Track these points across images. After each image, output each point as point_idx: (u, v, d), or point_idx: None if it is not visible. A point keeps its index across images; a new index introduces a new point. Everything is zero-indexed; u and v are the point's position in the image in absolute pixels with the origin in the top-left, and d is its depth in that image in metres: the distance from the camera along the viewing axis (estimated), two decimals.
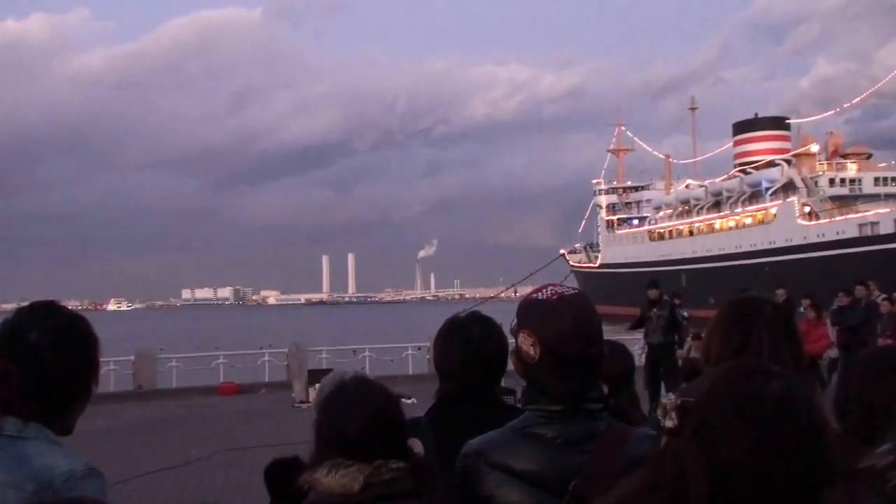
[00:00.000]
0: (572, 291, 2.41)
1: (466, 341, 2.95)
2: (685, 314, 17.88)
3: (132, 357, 22.21)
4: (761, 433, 1.33)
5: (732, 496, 1.33)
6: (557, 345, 2.27)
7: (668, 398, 1.42)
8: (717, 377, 1.44)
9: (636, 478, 1.48)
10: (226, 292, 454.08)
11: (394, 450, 2.38)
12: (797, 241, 62.96)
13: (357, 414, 2.39)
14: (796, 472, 1.33)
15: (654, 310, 15.87)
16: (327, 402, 2.50)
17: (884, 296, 16.35)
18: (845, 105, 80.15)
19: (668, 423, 1.40)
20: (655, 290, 16.19)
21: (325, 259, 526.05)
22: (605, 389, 3.89)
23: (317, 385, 2.78)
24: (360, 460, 2.33)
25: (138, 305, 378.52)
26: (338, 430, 2.39)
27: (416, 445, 2.50)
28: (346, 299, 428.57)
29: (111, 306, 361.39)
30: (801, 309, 17.36)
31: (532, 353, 2.31)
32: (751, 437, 1.33)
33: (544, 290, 2.42)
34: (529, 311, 2.38)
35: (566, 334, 2.28)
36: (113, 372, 21.80)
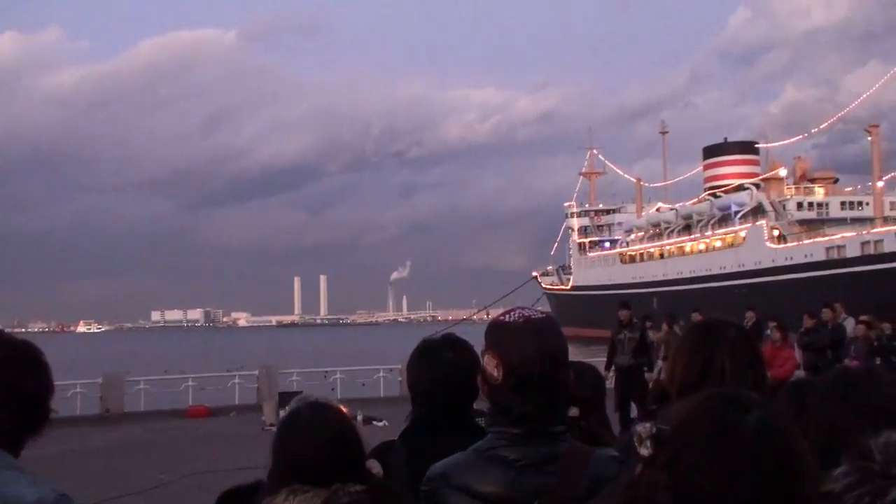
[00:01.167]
0: (539, 315, 2.41)
1: (440, 364, 2.95)
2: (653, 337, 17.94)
3: (99, 380, 21.95)
4: (736, 466, 1.29)
5: None
6: (519, 367, 2.27)
7: (643, 426, 1.40)
8: (693, 406, 1.40)
9: (607, 502, 1.46)
10: (196, 314, 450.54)
11: (352, 473, 2.39)
12: (766, 263, 63.61)
13: (312, 439, 2.40)
14: None
15: (625, 332, 15.88)
16: (283, 428, 2.51)
17: (855, 318, 16.46)
18: (813, 130, 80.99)
19: (643, 452, 1.38)
20: (626, 312, 16.20)
21: (296, 281, 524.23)
22: (576, 412, 3.92)
23: (287, 408, 2.80)
24: (318, 485, 2.34)
25: (107, 327, 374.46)
26: (293, 456, 2.40)
27: (375, 467, 2.51)
28: (318, 321, 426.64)
29: (81, 328, 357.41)
30: (768, 331, 17.49)
31: (496, 374, 2.31)
32: (725, 470, 1.29)
33: (511, 313, 2.42)
34: (494, 333, 2.39)
35: (528, 357, 2.28)
36: (80, 395, 21.58)
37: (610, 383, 18.05)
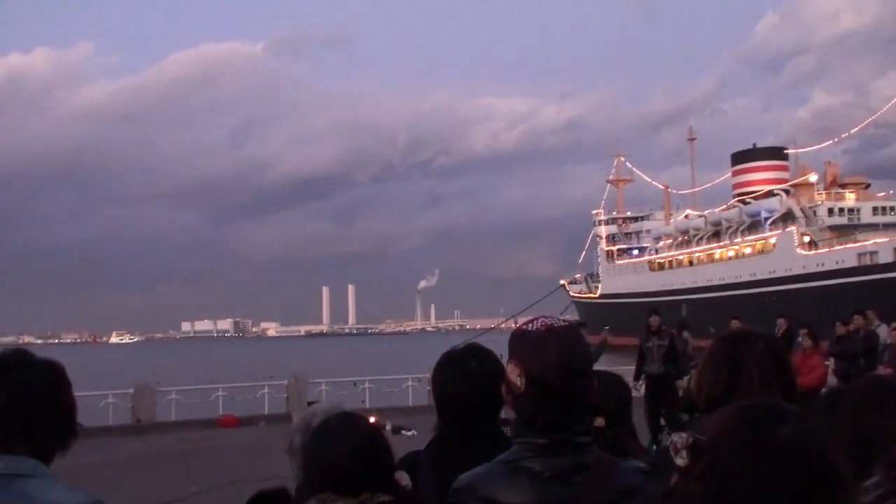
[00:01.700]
0: (562, 323, 2.42)
1: (463, 374, 2.96)
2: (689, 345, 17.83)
3: (131, 390, 22.14)
4: (773, 478, 1.28)
5: None
6: (542, 376, 2.28)
7: (679, 436, 1.39)
8: (730, 416, 1.40)
9: None
10: (226, 324, 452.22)
11: (380, 483, 2.40)
12: (797, 270, 63.03)
13: (343, 448, 2.42)
14: None
15: (654, 339, 15.76)
16: (314, 437, 2.53)
17: (889, 325, 16.26)
18: (843, 135, 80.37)
19: (679, 462, 1.37)
20: (657, 318, 16.06)
21: (325, 291, 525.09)
22: (602, 422, 3.90)
23: (302, 417, 2.83)
24: (347, 494, 2.35)
25: (137, 338, 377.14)
26: (324, 465, 2.42)
27: (403, 479, 2.53)
28: (347, 331, 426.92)
29: (114, 339, 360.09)
30: (799, 339, 17.32)
31: (519, 383, 2.32)
32: (761, 482, 1.28)
33: (534, 322, 2.43)
34: (517, 342, 2.39)
35: (551, 366, 2.28)
36: (112, 405, 21.78)
37: (637, 392, 17.98)
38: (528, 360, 2.32)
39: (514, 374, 2.34)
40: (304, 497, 2.42)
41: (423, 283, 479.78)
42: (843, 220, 66.96)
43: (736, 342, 2.69)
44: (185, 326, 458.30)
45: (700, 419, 2.60)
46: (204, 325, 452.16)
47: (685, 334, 17.92)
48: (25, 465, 2.19)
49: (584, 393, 2.36)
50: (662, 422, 15.53)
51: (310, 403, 19.61)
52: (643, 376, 16.08)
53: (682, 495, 1.35)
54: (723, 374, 2.59)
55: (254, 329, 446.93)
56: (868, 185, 73.00)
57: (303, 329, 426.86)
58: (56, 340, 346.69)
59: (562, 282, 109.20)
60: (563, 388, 2.28)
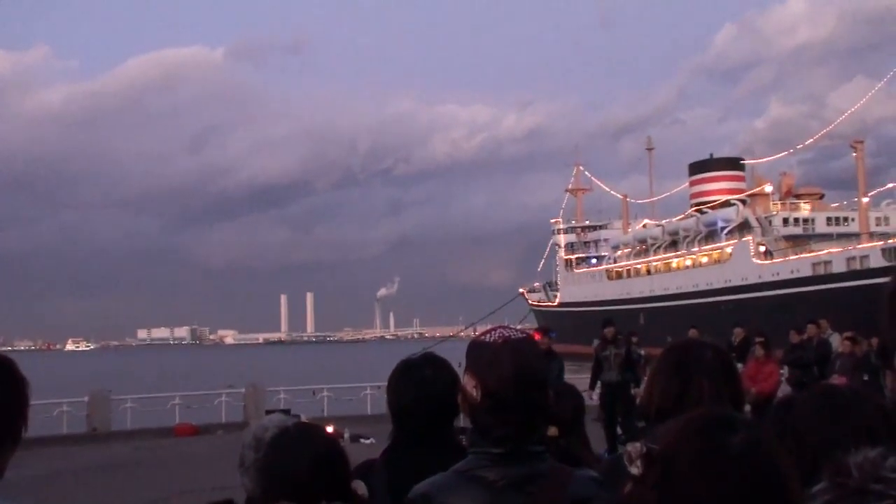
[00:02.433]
0: (519, 335, 2.42)
1: (419, 383, 2.97)
2: (641, 352, 17.99)
3: (86, 398, 21.85)
4: (725, 484, 1.32)
5: None
6: (497, 389, 2.28)
7: (633, 445, 1.40)
8: (682, 425, 1.42)
9: None
10: (182, 332, 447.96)
11: (337, 492, 2.41)
12: (753, 279, 63.80)
13: (302, 457, 2.43)
14: None
15: (611, 348, 15.84)
16: (272, 446, 2.53)
17: (842, 334, 16.49)
18: (798, 146, 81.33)
19: (633, 471, 1.38)
20: (612, 329, 16.15)
21: (283, 298, 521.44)
22: (555, 431, 3.94)
23: (252, 430, 2.85)
24: (303, 503, 2.36)
25: (92, 346, 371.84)
26: (282, 474, 2.42)
27: (360, 488, 2.54)
28: (305, 338, 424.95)
29: (69, 346, 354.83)
30: (754, 347, 17.54)
31: (474, 394, 2.32)
32: (714, 489, 1.32)
33: (492, 333, 2.43)
34: (474, 353, 2.39)
35: (506, 379, 2.28)
36: (66, 413, 21.49)
37: (591, 401, 18.03)
38: (483, 373, 2.32)
39: (469, 385, 2.35)
40: None
41: (382, 291, 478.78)
42: (798, 230, 67.85)
43: (685, 351, 2.71)
44: (142, 334, 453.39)
45: (652, 428, 2.63)
46: (160, 333, 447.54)
47: (633, 343, 18.04)
48: None
49: (539, 405, 2.37)
50: (619, 430, 15.64)
51: (268, 412, 19.50)
52: (599, 385, 16.17)
53: (635, 501, 1.38)
54: (672, 384, 2.61)
55: (211, 336, 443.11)
56: (822, 196, 74.13)
57: (261, 337, 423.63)
58: (9, 347, 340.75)
59: (521, 290, 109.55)
60: (518, 401, 2.29)
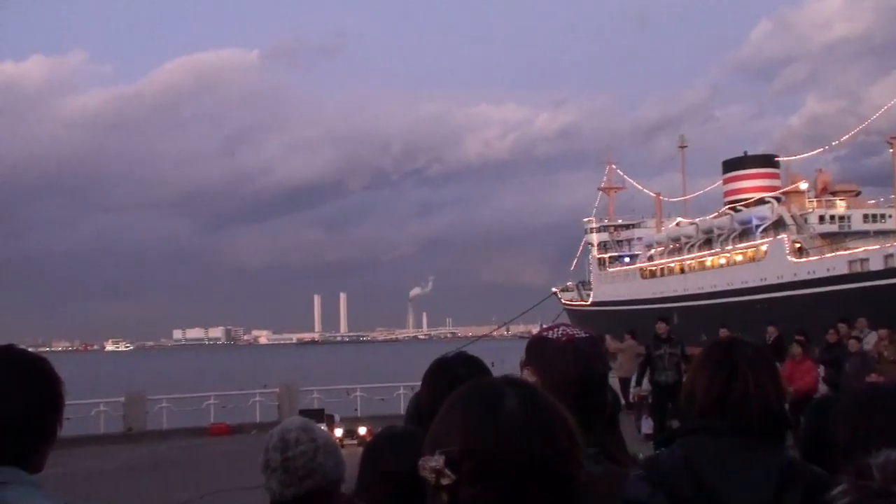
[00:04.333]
0: (583, 335, 2.39)
1: (453, 381, 2.95)
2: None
3: (122, 398, 22.10)
4: (516, 445, 1.40)
5: None
6: (558, 387, 2.21)
7: (431, 460, 1.41)
8: (455, 414, 1.48)
9: None
10: (217, 332, 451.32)
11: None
12: (788, 277, 63.13)
13: (408, 464, 2.44)
14: (566, 463, 1.45)
15: (666, 347, 15.48)
16: (377, 445, 2.61)
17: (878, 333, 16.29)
18: (834, 143, 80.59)
19: (446, 481, 1.39)
20: (664, 325, 15.75)
21: (316, 299, 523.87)
22: None
23: (274, 432, 2.91)
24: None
25: (131, 346, 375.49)
26: (383, 475, 2.43)
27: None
28: (338, 339, 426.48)
29: (109, 346, 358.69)
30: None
31: None
32: (510, 453, 1.39)
33: (555, 330, 2.41)
34: (536, 348, 2.38)
35: (568, 379, 2.26)
36: (103, 413, 21.74)
37: (633, 398, 17.88)
38: (545, 369, 2.30)
39: (530, 379, 2.30)
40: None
41: (415, 291, 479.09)
42: (834, 228, 67.10)
43: (727, 348, 2.69)
44: (177, 334, 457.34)
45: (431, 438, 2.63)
46: (195, 333, 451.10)
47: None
48: (4, 472, 2.14)
49: (598, 407, 2.35)
50: (647, 429, 15.52)
51: (301, 412, 19.60)
52: (647, 383, 15.89)
53: (468, 501, 1.40)
54: (716, 380, 2.58)
55: (245, 337, 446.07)
56: (859, 193, 73.18)
57: (294, 337, 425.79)
58: (47, 348, 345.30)
59: (553, 289, 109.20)
60: (579, 402, 2.24)
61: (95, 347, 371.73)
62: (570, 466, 1.46)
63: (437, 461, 1.40)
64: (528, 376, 2.32)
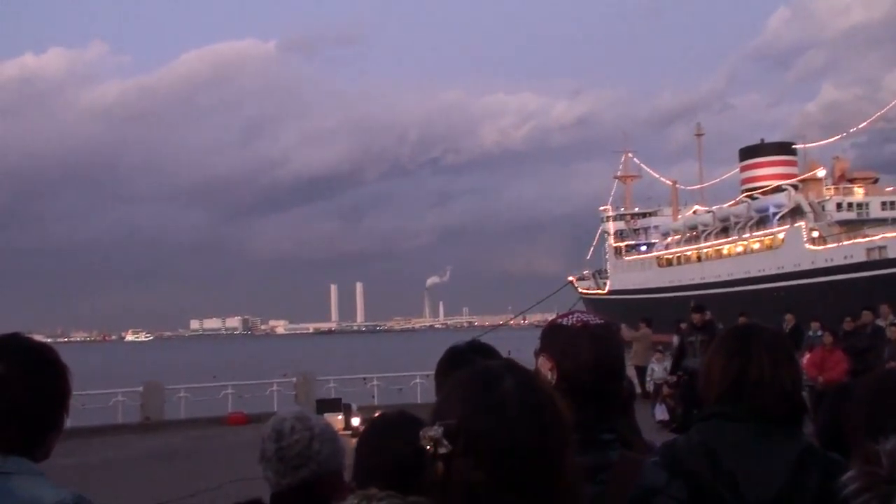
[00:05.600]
0: (597, 321, 2.38)
1: None
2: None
3: (140, 388, 22.22)
4: (512, 424, 1.48)
5: (513, 487, 1.48)
6: (573, 374, 2.25)
7: (430, 430, 1.50)
8: (457, 393, 1.57)
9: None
10: (234, 322, 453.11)
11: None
12: (805, 265, 62.82)
13: (406, 441, 2.43)
14: (554, 447, 1.52)
15: (698, 334, 15.28)
16: (375, 428, 2.55)
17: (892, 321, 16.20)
18: (852, 130, 79.97)
19: (442, 451, 1.48)
20: (699, 315, 15.63)
21: (333, 288, 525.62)
22: None
23: (272, 423, 2.93)
24: (399, 491, 2.36)
25: (151, 336, 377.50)
26: (378, 460, 2.42)
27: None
28: (355, 328, 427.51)
29: (129, 336, 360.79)
30: (811, 333, 17.31)
31: (549, 378, 2.28)
32: (506, 431, 1.48)
33: (570, 317, 2.40)
34: (551, 335, 2.37)
35: (583, 365, 2.25)
36: (121, 403, 21.89)
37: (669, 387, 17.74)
38: (560, 356, 2.29)
39: (544, 367, 2.31)
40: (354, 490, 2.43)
41: (431, 280, 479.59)
42: (852, 215, 66.71)
43: (745, 334, 2.67)
44: (195, 324, 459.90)
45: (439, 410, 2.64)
46: (213, 323, 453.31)
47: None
48: (7, 462, 2.15)
49: (615, 393, 2.34)
50: (661, 416, 15.45)
51: (318, 401, 19.65)
52: (679, 371, 15.84)
53: (458, 473, 1.48)
54: (732, 365, 2.56)
55: (262, 327, 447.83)
56: (877, 180, 72.62)
57: (311, 327, 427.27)
58: (66, 339, 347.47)
59: (570, 278, 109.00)
60: (594, 387, 2.24)
61: (114, 337, 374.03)
62: (557, 451, 1.52)
63: (436, 431, 1.49)
64: (543, 363, 2.32)
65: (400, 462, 2.37)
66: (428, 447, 1.50)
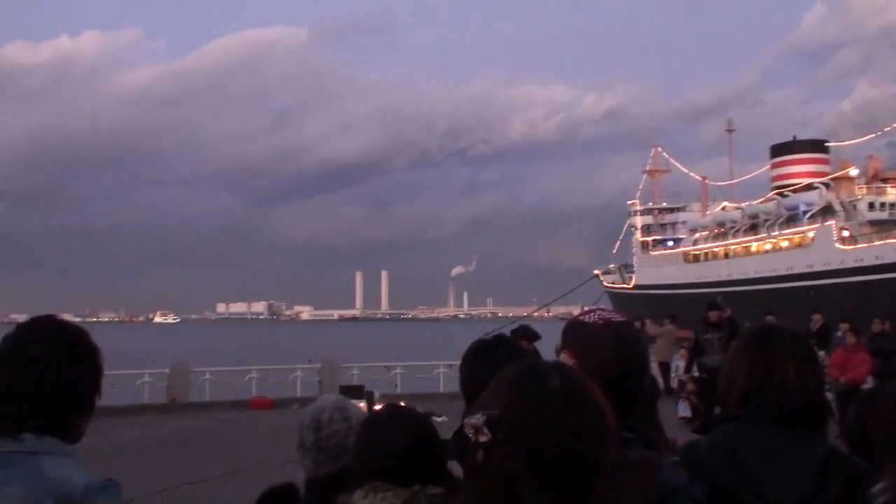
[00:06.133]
0: (619, 319, 2.38)
1: (491, 364, 2.96)
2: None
3: (167, 370, 22.44)
4: (555, 422, 1.52)
5: (551, 481, 1.51)
6: (595, 371, 2.19)
7: (472, 418, 1.54)
8: (505, 386, 1.61)
9: (466, 494, 1.60)
10: (260, 307, 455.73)
11: (433, 474, 2.40)
12: (835, 265, 62.19)
13: (399, 437, 2.43)
14: (591, 448, 1.54)
15: (713, 331, 15.12)
16: (369, 424, 2.55)
17: None
18: (886, 129, 78.92)
19: (483, 439, 1.52)
20: (716, 313, 15.49)
21: (358, 276, 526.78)
22: None
23: (307, 411, 2.92)
24: (399, 485, 2.36)
25: (178, 319, 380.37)
26: (380, 454, 2.43)
27: (456, 469, 2.53)
28: (379, 316, 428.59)
29: (158, 318, 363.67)
30: (839, 333, 17.15)
31: None
32: (548, 428, 1.51)
33: (591, 314, 2.40)
34: (573, 332, 2.36)
35: (605, 362, 2.24)
36: (147, 384, 22.12)
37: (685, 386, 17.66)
38: (582, 353, 2.28)
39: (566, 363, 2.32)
40: (357, 485, 2.43)
41: (456, 270, 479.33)
42: (884, 215, 65.92)
43: (767, 334, 2.67)
44: (220, 308, 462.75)
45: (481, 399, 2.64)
46: (238, 308, 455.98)
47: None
48: (40, 442, 2.18)
49: (636, 391, 2.33)
50: (683, 412, 15.37)
51: (341, 387, 19.71)
52: (696, 368, 15.74)
53: (497, 461, 1.52)
54: (757, 366, 2.56)
55: (287, 312, 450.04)
56: None
57: (336, 313, 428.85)
58: (94, 319, 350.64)
59: (596, 272, 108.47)
60: (616, 385, 2.22)
61: (141, 319, 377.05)
62: (596, 451, 1.55)
63: (478, 419, 1.53)
64: (565, 360, 2.31)
65: (395, 455, 2.39)
66: (470, 434, 1.54)
